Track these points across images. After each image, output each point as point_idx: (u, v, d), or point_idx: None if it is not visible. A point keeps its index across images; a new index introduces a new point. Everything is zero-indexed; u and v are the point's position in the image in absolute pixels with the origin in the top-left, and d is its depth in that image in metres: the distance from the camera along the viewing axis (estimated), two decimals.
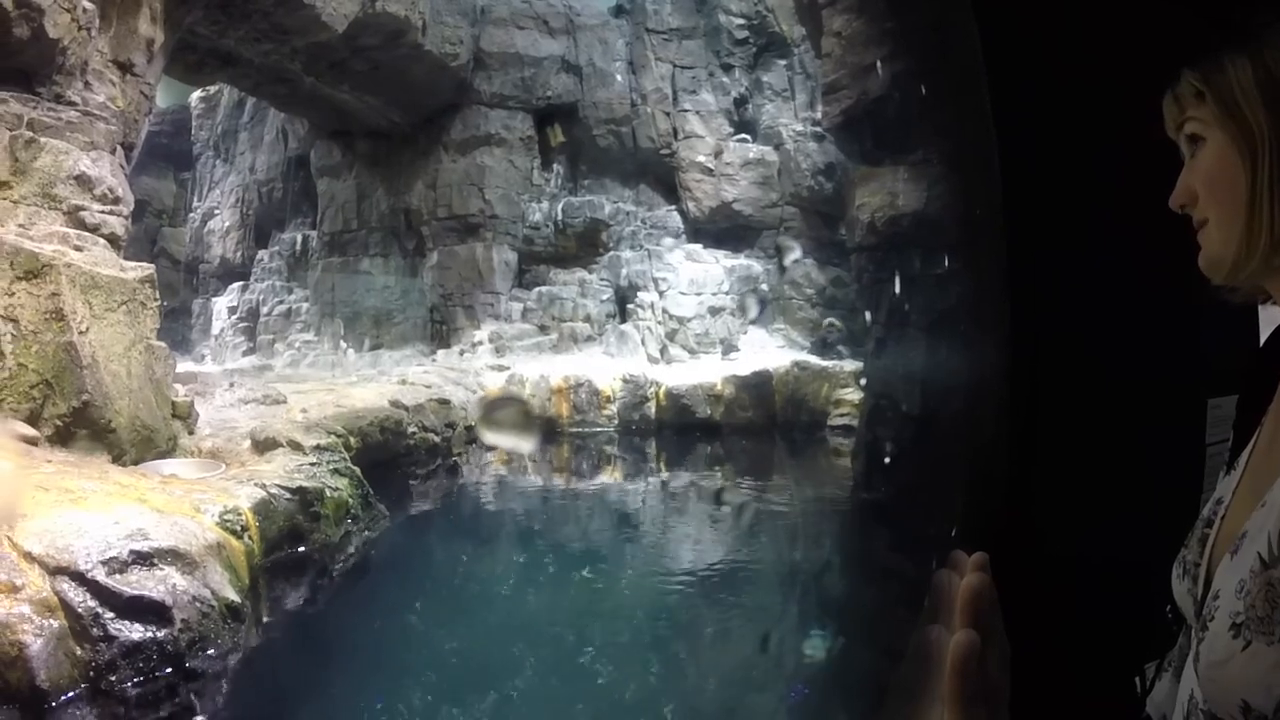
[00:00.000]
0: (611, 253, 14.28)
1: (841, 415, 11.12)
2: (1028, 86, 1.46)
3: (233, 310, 16.54)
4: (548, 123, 14.76)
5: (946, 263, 5.53)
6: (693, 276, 13.45)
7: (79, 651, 3.35)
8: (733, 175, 14.16)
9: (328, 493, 5.70)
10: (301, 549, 5.24)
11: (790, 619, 5.27)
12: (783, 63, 14.41)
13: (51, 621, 3.33)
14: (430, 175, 14.76)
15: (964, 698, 0.70)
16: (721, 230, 14.33)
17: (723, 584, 5.76)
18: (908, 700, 0.76)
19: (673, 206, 14.65)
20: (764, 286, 13.86)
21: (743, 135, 14.50)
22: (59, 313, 5.40)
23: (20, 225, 5.66)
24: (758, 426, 11.38)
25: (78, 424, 5.36)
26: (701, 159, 14.29)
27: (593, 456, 10.47)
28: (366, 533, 5.95)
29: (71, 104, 6.15)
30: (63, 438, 5.29)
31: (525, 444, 10.66)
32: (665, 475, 9.82)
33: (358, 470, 6.47)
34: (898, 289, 6.48)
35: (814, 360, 12.23)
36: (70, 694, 3.31)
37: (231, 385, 9.93)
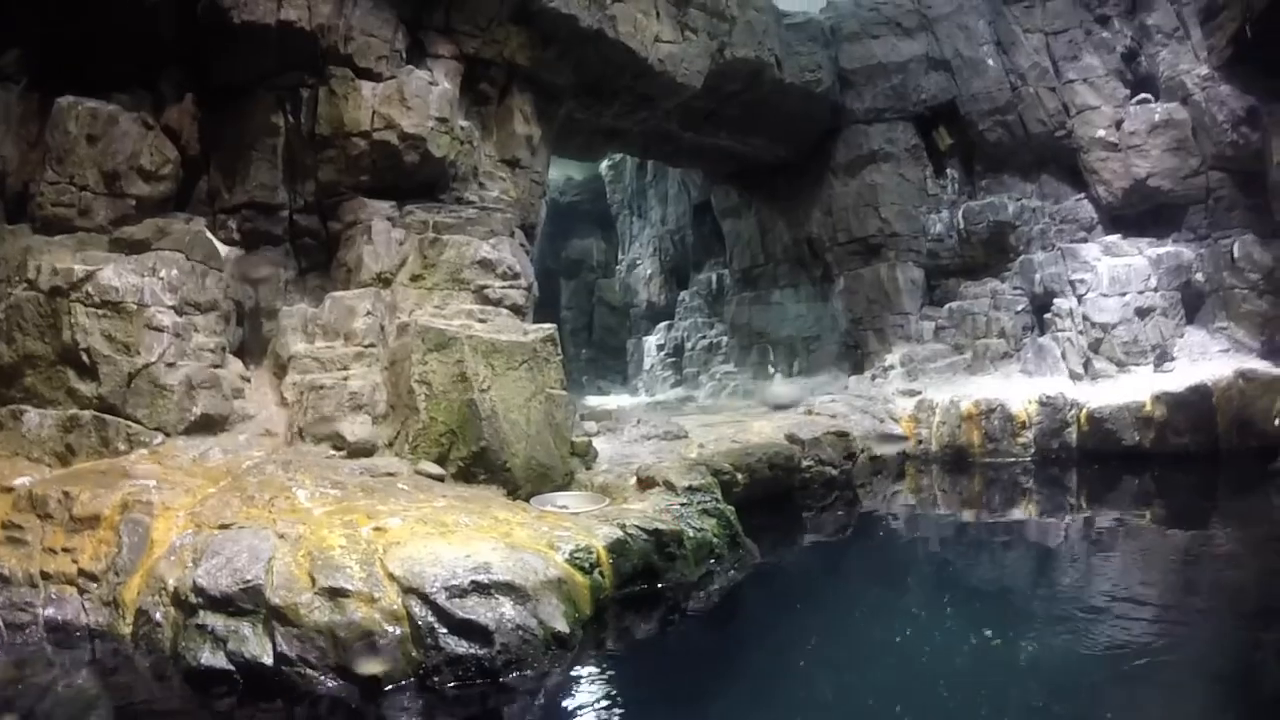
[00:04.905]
0: (1023, 256, 13.03)
1: None
2: None
3: (660, 347, 18.35)
4: (931, 127, 14.02)
5: None
6: (1113, 274, 11.61)
7: (413, 653, 4.26)
8: (1140, 145, 11.97)
9: (689, 533, 5.99)
10: (657, 585, 5.56)
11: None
12: None
13: (396, 629, 4.28)
14: (825, 202, 14.91)
15: None
16: (1141, 214, 12.23)
17: (1149, 663, 4.57)
18: None
19: (1081, 195, 12.91)
20: (1199, 276, 11.50)
21: (1143, 95, 12.22)
22: (463, 375, 6.64)
23: (435, 307, 7.04)
24: (1196, 455, 9.51)
25: (477, 464, 6.59)
26: (1101, 133, 12.34)
27: (1005, 490, 9.53)
28: (731, 572, 6.07)
29: (469, 203, 7.49)
30: (465, 475, 6.55)
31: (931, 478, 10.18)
32: (1085, 514, 8.53)
33: (728, 510, 6.68)
34: None
35: (1263, 368, 9.92)
36: (401, 684, 4.22)
37: (639, 422, 10.96)
